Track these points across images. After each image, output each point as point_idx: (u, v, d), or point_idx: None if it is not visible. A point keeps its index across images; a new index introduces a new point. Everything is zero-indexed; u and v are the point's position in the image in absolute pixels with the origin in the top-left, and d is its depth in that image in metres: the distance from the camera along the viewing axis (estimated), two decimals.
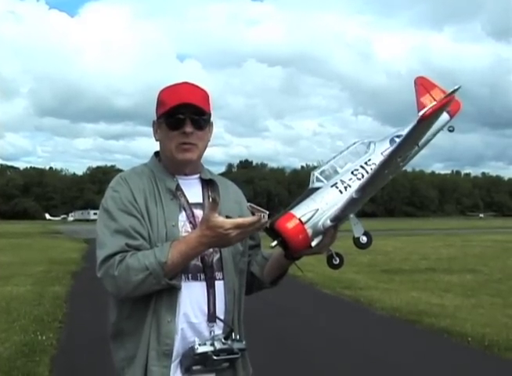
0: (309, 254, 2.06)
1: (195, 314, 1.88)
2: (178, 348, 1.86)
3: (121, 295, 1.87)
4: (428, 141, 2.17)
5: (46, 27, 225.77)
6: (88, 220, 75.55)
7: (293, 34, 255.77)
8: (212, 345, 1.84)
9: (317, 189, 2.09)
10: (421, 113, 2.03)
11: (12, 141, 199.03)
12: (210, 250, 1.91)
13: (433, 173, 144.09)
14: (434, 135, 2.19)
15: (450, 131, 2.24)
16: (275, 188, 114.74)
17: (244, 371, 2.00)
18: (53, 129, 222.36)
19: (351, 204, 1.99)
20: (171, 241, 1.84)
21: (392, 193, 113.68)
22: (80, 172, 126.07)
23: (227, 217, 1.83)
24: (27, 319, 7.99)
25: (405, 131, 2.05)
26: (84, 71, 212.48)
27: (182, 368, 1.86)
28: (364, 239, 2.04)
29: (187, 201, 1.97)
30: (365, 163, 2.14)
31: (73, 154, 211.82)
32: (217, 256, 1.95)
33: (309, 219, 2.00)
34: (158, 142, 2.03)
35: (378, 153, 2.16)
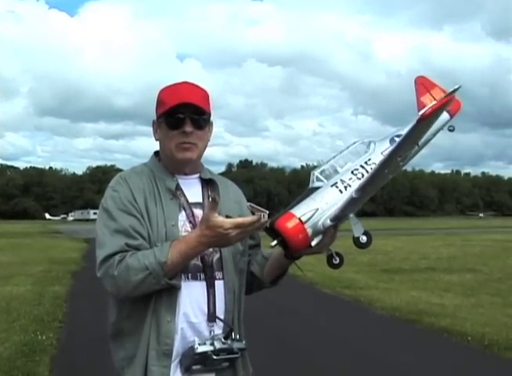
0: (309, 254, 2.06)
1: (195, 314, 1.88)
2: (177, 347, 1.86)
3: (121, 295, 1.87)
4: (428, 140, 2.17)
5: (46, 27, 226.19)
6: (87, 220, 75.55)
7: (293, 34, 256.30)
8: (212, 344, 1.84)
9: (317, 188, 2.09)
10: (421, 112, 2.03)
11: (12, 141, 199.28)
12: (210, 249, 1.91)
13: (433, 173, 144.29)
14: (434, 134, 2.19)
15: (450, 130, 2.24)
16: (275, 188, 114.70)
17: (244, 371, 2.00)
18: (53, 129, 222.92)
19: (351, 204, 1.99)
20: (171, 241, 1.84)
21: (392, 193, 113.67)
22: (80, 172, 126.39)
23: (227, 217, 1.82)
24: (27, 319, 7.98)
25: (405, 131, 2.05)
26: (83, 71, 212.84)
27: (181, 368, 1.86)
28: (364, 238, 2.04)
29: (187, 201, 1.97)
30: (366, 162, 2.14)
31: (73, 154, 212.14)
32: (217, 256, 1.95)
33: (309, 219, 2.00)
34: (158, 142, 2.03)
35: (378, 153, 2.15)
